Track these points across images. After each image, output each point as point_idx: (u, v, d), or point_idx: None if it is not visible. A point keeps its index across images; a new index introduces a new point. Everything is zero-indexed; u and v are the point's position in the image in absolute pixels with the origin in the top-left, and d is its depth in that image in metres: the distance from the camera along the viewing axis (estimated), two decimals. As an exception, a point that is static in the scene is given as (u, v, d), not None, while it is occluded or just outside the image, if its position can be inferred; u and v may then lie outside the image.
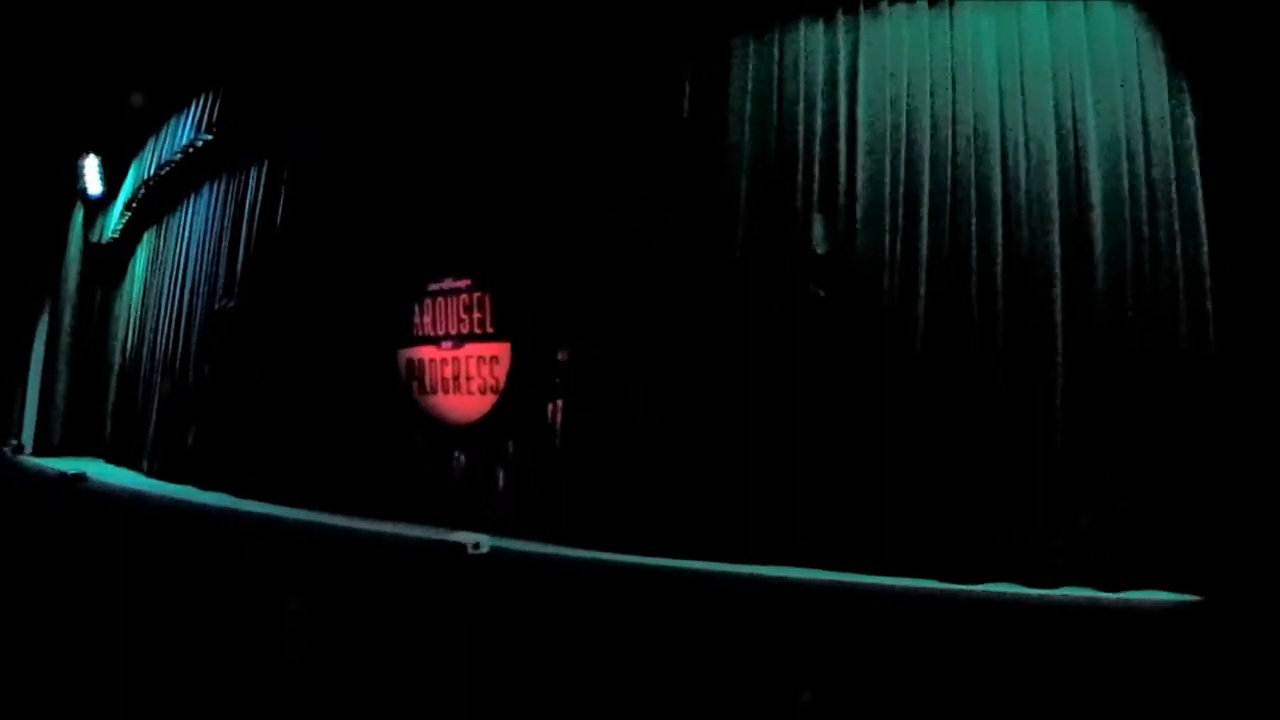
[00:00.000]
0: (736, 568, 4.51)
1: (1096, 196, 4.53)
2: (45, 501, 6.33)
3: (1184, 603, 4.04)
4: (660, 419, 5.25)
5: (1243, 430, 4.21)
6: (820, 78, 5.06)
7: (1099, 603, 4.11)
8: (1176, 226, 4.47)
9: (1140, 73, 4.63)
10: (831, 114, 5.00)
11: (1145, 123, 4.59)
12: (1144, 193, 4.53)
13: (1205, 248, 4.42)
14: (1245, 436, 4.19)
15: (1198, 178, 4.48)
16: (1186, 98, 4.55)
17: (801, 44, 5.13)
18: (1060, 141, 4.62)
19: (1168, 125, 4.55)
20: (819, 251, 4.82)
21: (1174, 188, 4.50)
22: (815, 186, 4.96)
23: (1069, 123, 4.63)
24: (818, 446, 4.69)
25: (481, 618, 3.60)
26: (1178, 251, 4.45)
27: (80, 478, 6.54)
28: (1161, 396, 4.33)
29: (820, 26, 5.11)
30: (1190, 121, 4.53)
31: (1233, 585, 4.03)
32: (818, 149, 4.99)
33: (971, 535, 4.42)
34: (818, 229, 4.84)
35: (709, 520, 4.90)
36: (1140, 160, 4.55)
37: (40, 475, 7.26)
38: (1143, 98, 4.61)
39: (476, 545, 4.15)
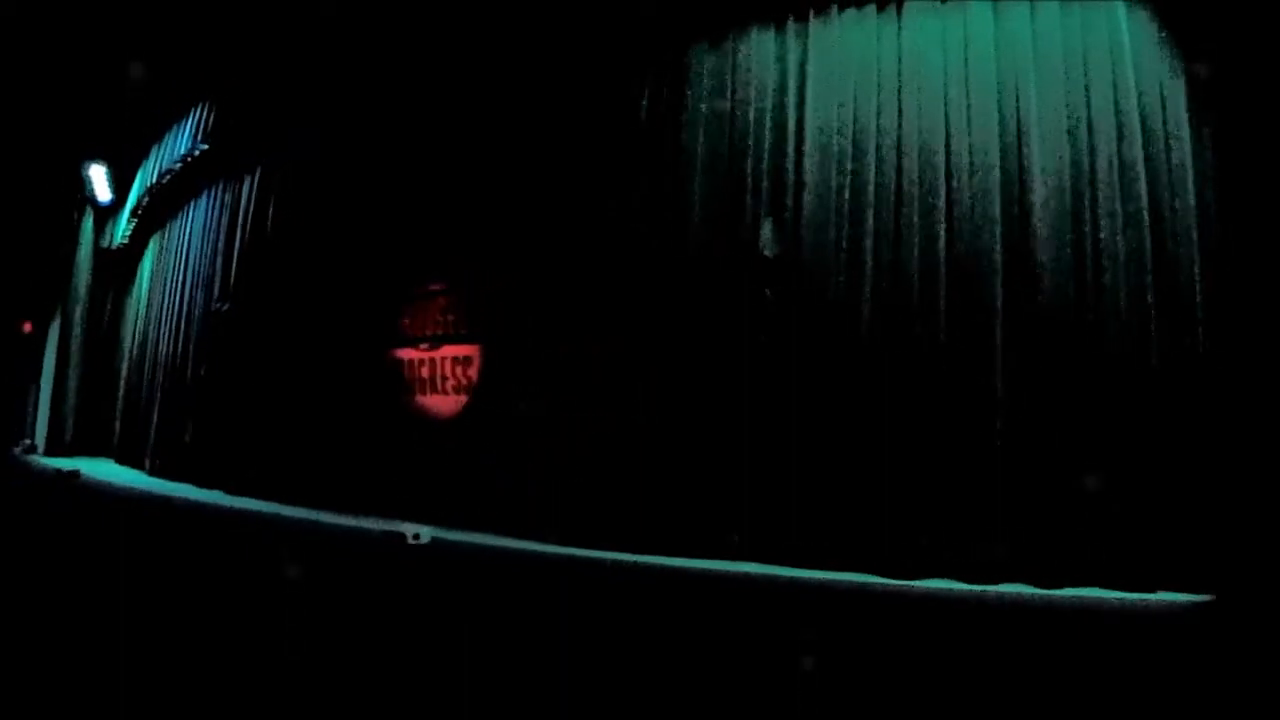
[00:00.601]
0: (687, 561, 4.67)
1: (1038, 194, 4.60)
2: (46, 498, 6.55)
3: (1126, 600, 4.07)
4: (625, 417, 5.36)
5: (1183, 425, 4.26)
6: (771, 84, 5.17)
7: (1036, 600, 4.16)
8: (1120, 223, 4.52)
9: (1086, 70, 4.69)
10: (781, 119, 5.12)
11: (1090, 121, 4.64)
12: (1087, 190, 4.58)
13: (1149, 243, 4.47)
14: (1185, 431, 4.24)
15: (1143, 173, 4.52)
16: (1134, 93, 4.60)
17: (753, 51, 5.23)
18: (1003, 141, 4.70)
19: (1112, 122, 4.61)
20: (768, 254, 4.90)
21: (1118, 184, 4.55)
22: (764, 190, 5.06)
23: (1012, 122, 4.71)
24: (752, 443, 4.80)
25: (421, 603, 3.72)
26: (1120, 249, 4.50)
27: (74, 474, 6.80)
28: (1103, 392, 4.39)
29: (772, 33, 5.22)
30: (1135, 118, 4.58)
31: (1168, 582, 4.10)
32: (767, 153, 5.10)
33: (912, 530, 4.50)
34: (766, 232, 4.93)
35: (670, 515, 5.03)
36: (1084, 158, 4.61)
37: (41, 473, 7.54)
38: (1087, 97, 4.66)
39: (416, 536, 4.29)
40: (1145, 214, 4.50)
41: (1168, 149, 4.56)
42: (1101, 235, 4.52)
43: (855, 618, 4.04)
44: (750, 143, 5.15)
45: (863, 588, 4.33)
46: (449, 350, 6.61)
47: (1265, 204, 4.26)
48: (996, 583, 4.29)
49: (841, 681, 3.04)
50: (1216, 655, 3.23)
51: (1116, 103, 4.62)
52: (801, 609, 4.10)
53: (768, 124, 5.14)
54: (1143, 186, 4.53)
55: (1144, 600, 4.01)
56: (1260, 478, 4.01)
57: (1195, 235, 4.45)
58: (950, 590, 4.29)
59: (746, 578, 4.30)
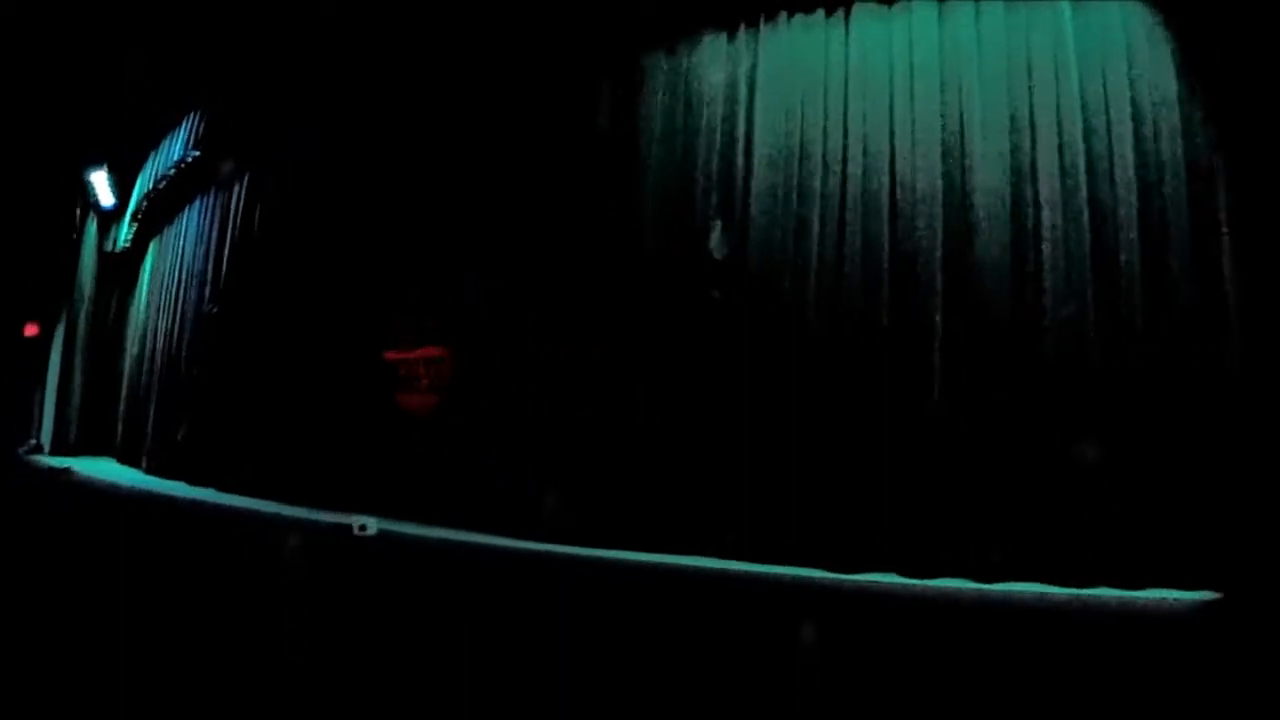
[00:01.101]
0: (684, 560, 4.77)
1: (980, 195, 4.69)
2: (36, 494, 6.78)
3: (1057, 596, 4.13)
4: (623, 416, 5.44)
5: (1118, 421, 4.32)
6: (722, 89, 5.28)
7: (971, 595, 4.24)
8: (1061, 222, 4.58)
9: (1030, 71, 4.76)
10: (731, 124, 5.22)
11: (1033, 121, 4.72)
12: (1028, 190, 4.65)
13: (1089, 242, 4.53)
14: (1120, 427, 4.31)
15: (1084, 172, 4.58)
16: (1077, 93, 4.65)
17: (706, 57, 5.33)
18: (945, 143, 4.79)
19: (1054, 122, 4.67)
20: (716, 257, 5.01)
21: (1059, 184, 4.62)
22: (714, 193, 5.16)
23: (955, 124, 4.80)
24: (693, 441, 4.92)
25: (367, 592, 3.83)
26: (1060, 248, 4.57)
27: (67, 472, 7.06)
28: (1041, 389, 4.47)
29: (724, 39, 5.32)
30: (1078, 118, 4.64)
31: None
32: (717, 158, 5.21)
33: (856, 524, 4.60)
34: (715, 235, 5.03)
35: (666, 515, 5.10)
36: (1025, 159, 4.68)
37: (38, 471, 7.81)
38: (1030, 97, 4.74)
39: (363, 527, 4.44)
40: (1086, 213, 4.57)
41: (1110, 149, 4.62)
42: (1043, 235, 4.60)
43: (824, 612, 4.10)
44: (700, 148, 5.26)
45: (812, 582, 4.41)
46: (424, 351, 6.75)
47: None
48: (934, 578, 4.38)
49: (835, 678, 3.10)
50: (1217, 654, 3.27)
51: (1059, 103, 4.70)
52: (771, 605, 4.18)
53: (719, 129, 5.25)
54: (1084, 186, 4.59)
55: (1140, 599, 4.06)
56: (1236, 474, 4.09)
57: (1137, 234, 4.52)
58: (893, 584, 4.39)
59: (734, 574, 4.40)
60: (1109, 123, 4.63)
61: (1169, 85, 4.60)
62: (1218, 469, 4.16)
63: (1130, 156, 4.57)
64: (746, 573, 4.53)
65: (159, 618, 3.56)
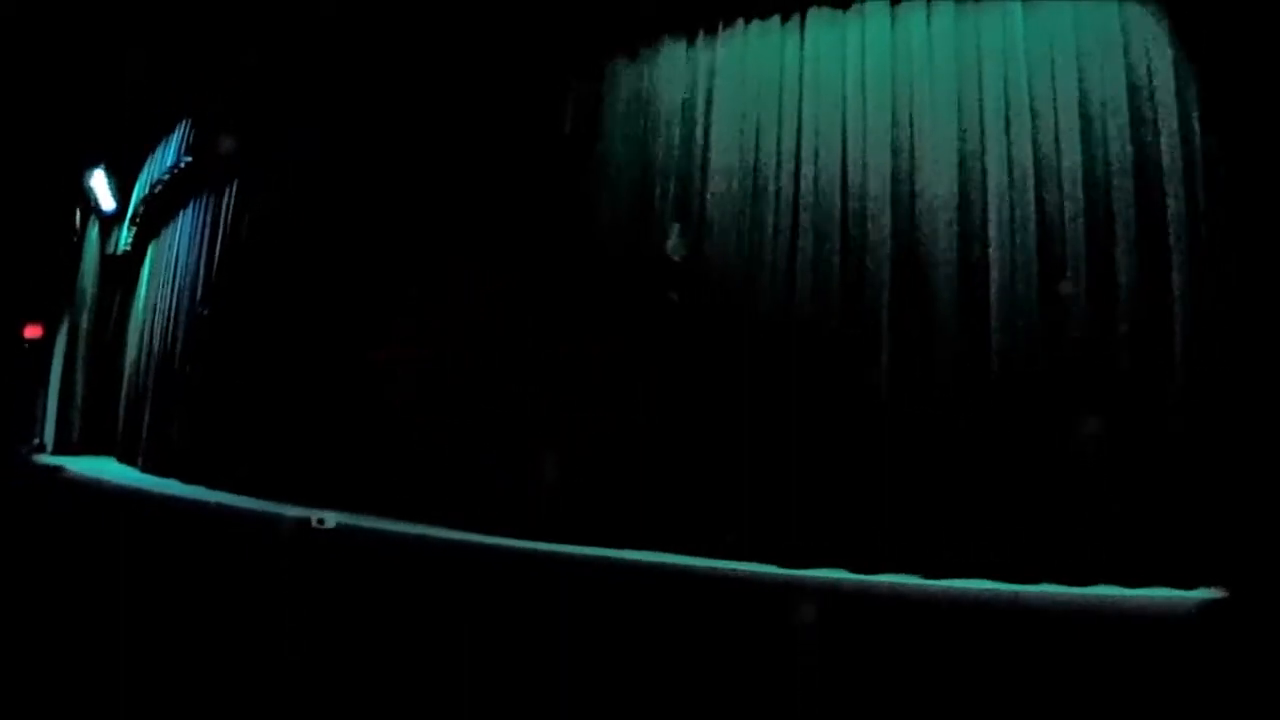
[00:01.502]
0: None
1: (927, 196, 4.78)
2: (27, 491, 6.96)
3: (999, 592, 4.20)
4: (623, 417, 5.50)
5: (1064, 415, 4.39)
6: (681, 94, 5.39)
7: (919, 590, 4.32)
8: (1008, 222, 4.65)
9: (980, 70, 4.84)
10: (689, 128, 5.34)
11: (982, 119, 4.78)
12: (976, 188, 4.73)
13: (1034, 243, 4.60)
14: (1064, 421, 4.38)
15: (1032, 173, 4.66)
16: (1026, 93, 4.73)
17: (666, 63, 5.45)
18: (895, 145, 4.89)
19: (1001, 123, 4.74)
20: (674, 258, 5.11)
21: (1007, 184, 4.70)
22: (672, 196, 5.27)
23: (905, 127, 4.89)
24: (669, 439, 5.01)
25: (366, 592, 3.96)
26: (1008, 248, 4.64)
27: (58, 470, 7.26)
28: (986, 388, 4.56)
29: (683, 45, 5.43)
30: (1026, 118, 4.71)
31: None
32: (675, 161, 5.31)
33: (804, 518, 4.69)
34: (673, 237, 5.14)
35: (665, 515, 5.16)
36: (975, 158, 4.77)
37: (32, 469, 8.03)
38: (980, 96, 4.79)
39: (320, 521, 4.56)
40: (1033, 210, 4.65)
41: (1058, 149, 4.69)
42: (990, 233, 4.68)
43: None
44: (659, 152, 5.38)
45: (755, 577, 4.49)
46: (413, 351, 6.87)
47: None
48: (879, 573, 4.47)
49: (834, 678, 3.12)
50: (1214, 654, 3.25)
51: (1007, 104, 4.77)
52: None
53: (677, 134, 5.36)
54: (1032, 185, 4.67)
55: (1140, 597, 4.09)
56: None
57: (1083, 235, 4.58)
58: (840, 580, 4.47)
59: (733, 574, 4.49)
60: (1057, 123, 4.70)
61: (1118, 86, 4.66)
62: (1158, 463, 4.24)
63: (1078, 156, 4.64)
64: (745, 573, 4.58)
65: (146, 615, 3.63)
